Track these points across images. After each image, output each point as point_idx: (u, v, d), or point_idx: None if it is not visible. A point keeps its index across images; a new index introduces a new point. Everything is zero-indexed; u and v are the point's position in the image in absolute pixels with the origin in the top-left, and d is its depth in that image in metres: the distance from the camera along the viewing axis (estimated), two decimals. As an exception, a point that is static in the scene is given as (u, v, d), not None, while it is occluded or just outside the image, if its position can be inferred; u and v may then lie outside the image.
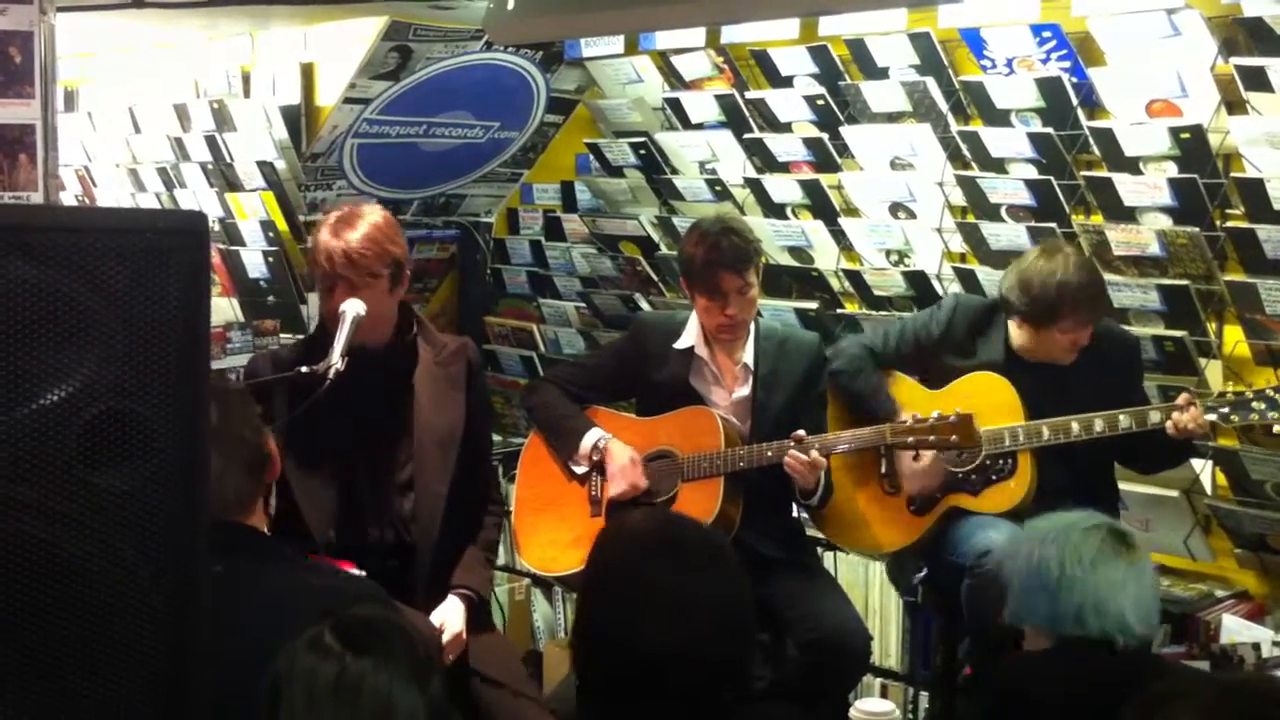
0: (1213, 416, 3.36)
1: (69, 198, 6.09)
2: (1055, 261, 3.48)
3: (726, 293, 3.57)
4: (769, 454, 3.54)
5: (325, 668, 1.76)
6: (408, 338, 3.39)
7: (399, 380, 3.34)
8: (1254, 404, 3.33)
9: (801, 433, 3.50)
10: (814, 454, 3.48)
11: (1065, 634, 2.46)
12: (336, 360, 3.01)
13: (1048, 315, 3.48)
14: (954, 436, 3.42)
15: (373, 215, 3.28)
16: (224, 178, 5.40)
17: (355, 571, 2.78)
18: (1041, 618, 2.49)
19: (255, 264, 5.37)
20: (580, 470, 3.79)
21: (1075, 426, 3.46)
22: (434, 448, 3.34)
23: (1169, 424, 3.36)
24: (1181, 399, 3.40)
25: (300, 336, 4.46)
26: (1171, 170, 3.71)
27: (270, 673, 1.81)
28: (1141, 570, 2.50)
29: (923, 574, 3.85)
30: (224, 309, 5.34)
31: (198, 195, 5.52)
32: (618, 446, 3.73)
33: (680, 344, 3.75)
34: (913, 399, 3.72)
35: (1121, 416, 3.42)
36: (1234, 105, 3.58)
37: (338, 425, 3.19)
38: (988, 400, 3.60)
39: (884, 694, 4.22)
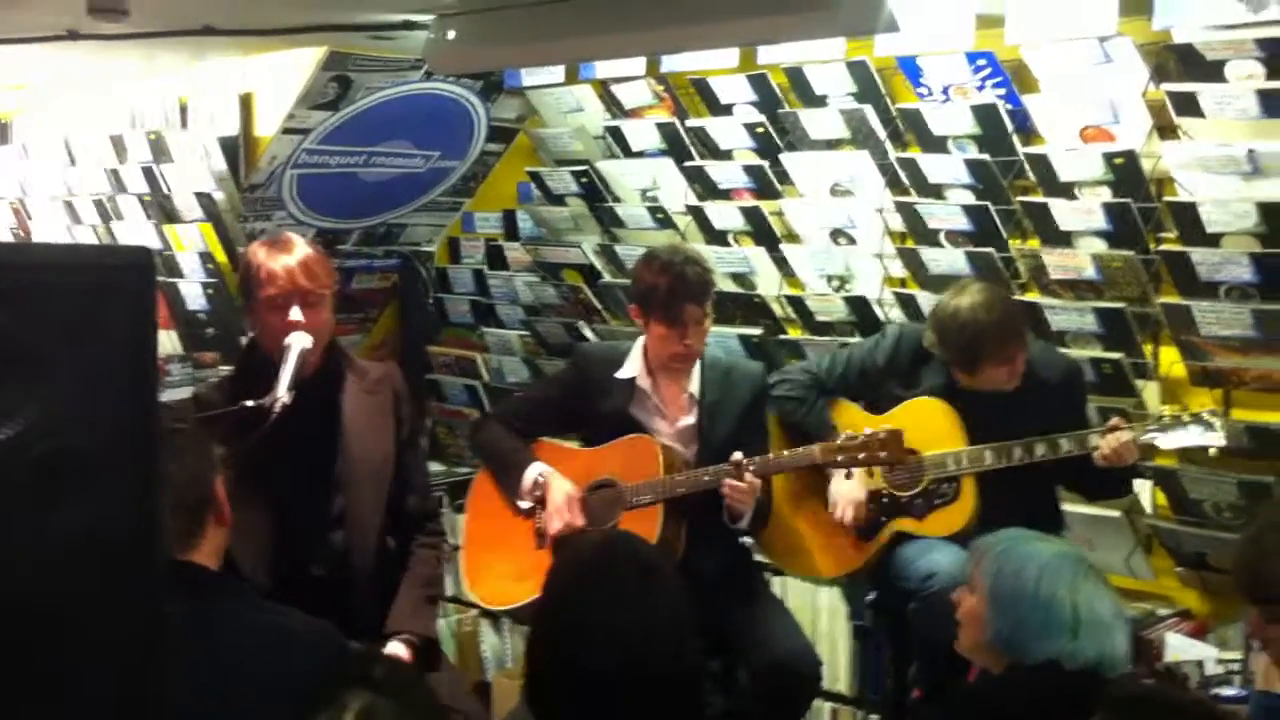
0: (1154, 440, 3.41)
1: (3, 231, 6.02)
2: (962, 308, 3.47)
3: (687, 323, 3.58)
4: (706, 479, 3.55)
5: None
6: (333, 367, 3.32)
7: (326, 411, 3.28)
8: (1190, 428, 3.38)
9: (739, 456, 3.51)
10: (749, 477, 3.49)
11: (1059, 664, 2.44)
12: (283, 394, 2.97)
13: (970, 361, 3.52)
14: (883, 453, 3.45)
15: (300, 240, 3.30)
16: (162, 210, 5.36)
17: None
18: (1049, 653, 2.42)
19: (194, 296, 5.32)
20: (524, 505, 3.78)
21: (1018, 451, 3.50)
22: (366, 477, 3.29)
23: (1096, 454, 3.40)
24: (1113, 422, 3.45)
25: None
26: (1106, 195, 3.77)
27: None
28: (1117, 603, 2.53)
29: (871, 597, 3.87)
30: (163, 341, 5.28)
31: (135, 227, 5.47)
32: (557, 481, 3.72)
33: (622, 374, 3.75)
34: (855, 424, 3.74)
35: (1063, 440, 3.46)
36: (1166, 130, 3.64)
37: (266, 460, 3.10)
38: (930, 425, 3.63)
39: (835, 718, 4.23)
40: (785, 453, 3.63)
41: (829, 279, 4.44)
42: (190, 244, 5.28)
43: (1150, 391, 3.82)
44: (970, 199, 4.03)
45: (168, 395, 4.69)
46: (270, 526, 3.18)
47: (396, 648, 3.20)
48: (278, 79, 4.78)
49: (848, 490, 3.68)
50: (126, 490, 1.44)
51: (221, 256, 5.20)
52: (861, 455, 3.48)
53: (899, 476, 3.67)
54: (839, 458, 3.51)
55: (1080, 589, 2.44)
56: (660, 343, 3.64)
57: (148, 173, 5.30)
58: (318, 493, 3.26)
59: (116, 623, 1.45)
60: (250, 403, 2.97)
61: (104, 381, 1.44)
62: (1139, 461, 3.57)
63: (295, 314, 3.15)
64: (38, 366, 1.40)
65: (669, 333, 3.60)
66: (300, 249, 3.23)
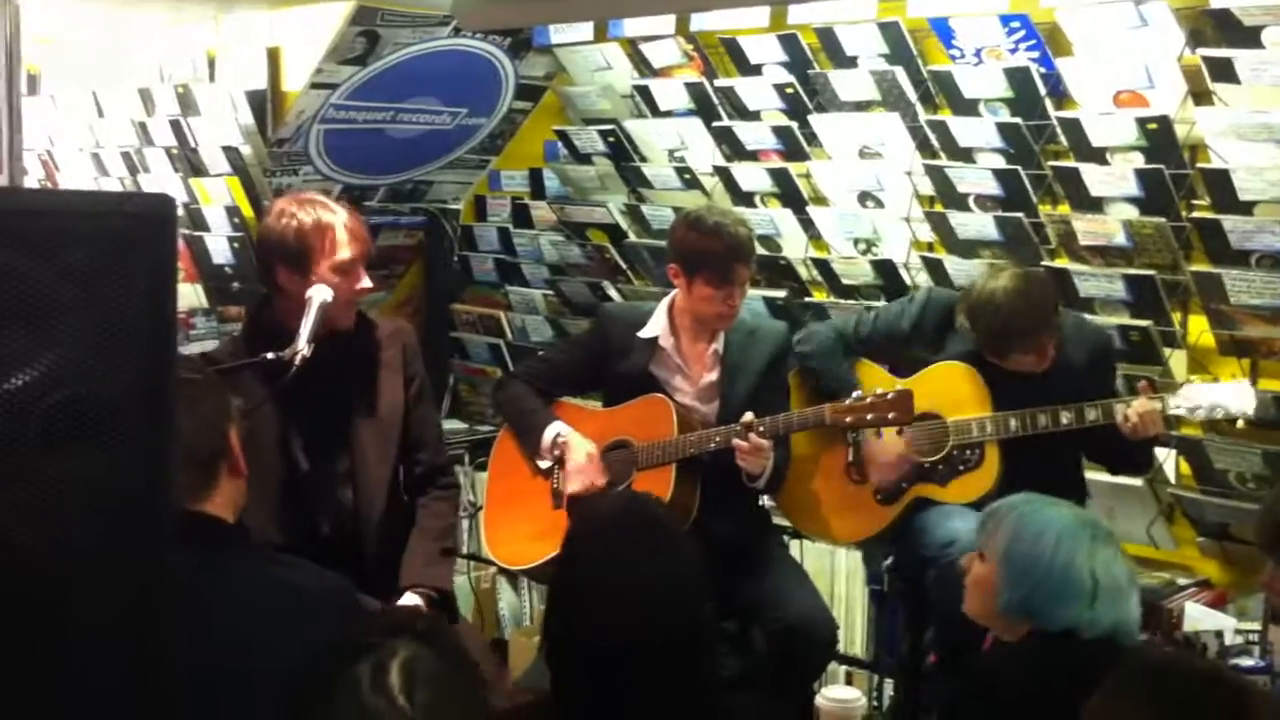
0: (1179, 411, 3.38)
1: (31, 182, 6.02)
2: (997, 294, 3.44)
3: (735, 282, 3.59)
4: (717, 439, 3.55)
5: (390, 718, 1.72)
6: (358, 326, 3.31)
7: (335, 367, 3.22)
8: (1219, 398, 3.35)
9: (749, 416, 3.51)
10: (754, 437, 3.48)
11: (1073, 631, 2.43)
12: (303, 347, 2.97)
13: (1000, 348, 3.50)
14: (891, 414, 3.44)
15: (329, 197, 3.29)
16: (189, 163, 5.35)
17: None
18: (1066, 621, 2.41)
19: (220, 250, 5.32)
20: (544, 464, 3.79)
21: (1043, 418, 3.47)
22: (374, 434, 3.28)
23: (1121, 420, 3.37)
24: (1140, 386, 3.42)
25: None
26: (1138, 161, 3.73)
27: (312, 688, 1.76)
28: (1131, 569, 2.51)
29: (889, 562, 3.86)
30: (188, 295, 5.29)
31: (162, 180, 5.47)
32: (576, 440, 3.73)
33: (645, 333, 3.75)
34: (878, 385, 3.72)
35: (1089, 409, 3.43)
36: (1200, 96, 3.60)
37: (276, 416, 3.14)
38: (955, 390, 3.61)
39: (849, 682, 4.23)
40: (795, 413, 3.63)
41: (856, 242, 4.42)
42: (217, 198, 5.28)
43: (1178, 360, 3.80)
44: (1000, 163, 3.99)
45: (192, 348, 4.71)
46: (280, 483, 3.18)
47: (412, 600, 3.21)
48: (306, 33, 4.76)
49: (880, 451, 3.68)
50: (139, 441, 1.44)
51: (248, 211, 5.20)
52: (870, 416, 3.47)
53: (922, 441, 3.66)
54: (848, 418, 3.50)
55: (1097, 555, 2.42)
56: (705, 303, 3.64)
57: (175, 126, 5.29)
58: (327, 449, 3.26)
59: (122, 573, 1.45)
60: (271, 355, 2.97)
61: (121, 331, 1.43)
62: (1165, 432, 3.54)
63: (367, 280, 3.18)
64: (54, 314, 1.40)
65: (716, 293, 3.60)
66: (344, 207, 3.24)
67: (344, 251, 3.15)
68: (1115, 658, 2.29)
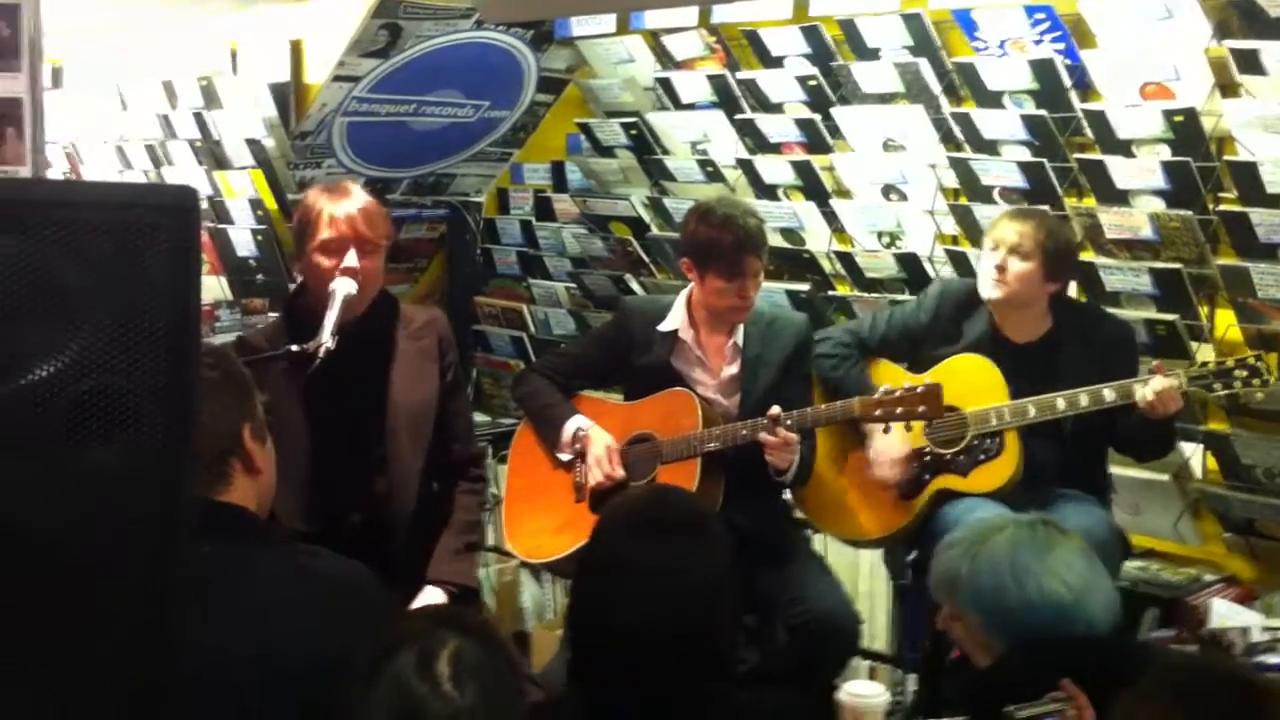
0: (1197, 386, 3.36)
1: (55, 175, 6.05)
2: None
3: (747, 275, 3.57)
4: (744, 433, 3.53)
5: (436, 705, 1.72)
6: (382, 313, 3.30)
7: (372, 356, 3.26)
8: (1235, 372, 3.33)
9: (776, 410, 3.49)
10: (782, 431, 3.47)
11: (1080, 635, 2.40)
12: (327, 339, 2.97)
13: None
14: (921, 407, 3.42)
15: (358, 188, 3.28)
16: (212, 155, 5.38)
17: None
18: (1070, 629, 2.34)
19: (244, 242, 5.34)
20: (565, 458, 3.79)
21: (1061, 403, 3.45)
22: (408, 423, 3.28)
23: (1140, 400, 3.35)
24: (1154, 365, 3.39)
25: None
26: (1164, 153, 3.71)
27: (352, 675, 1.78)
28: (1083, 548, 2.46)
29: (912, 556, 3.84)
30: (212, 287, 5.32)
31: (185, 173, 5.49)
32: (596, 434, 3.72)
33: (664, 326, 3.74)
34: (896, 383, 3.70)
35: (1106, 390, 3.40)
36: (1227, 88, 3.58)
37: (309, 405, 3.14)
38: (972, 381, 3.59)
39: (872, 676, 4.22)
40: (824, 407, 3.61)
41: (879, 235, 4.40)
42: (240, 190, 5.30)
43: (1205, 354, 3.77)
44: (1026, 155, 3.97)
45: (216, 340, 4.72)
46: (311, 472, 3.18)
47: (435, 595, 3.21)
48: (328, 26, 4.77)
49: (886, 447, 3.66)
50: (162, 432, 1.44)
51: (271, 203, 5.22)
52: (900, 410, 3.45)
53: (941, 434, 3.64)
54: (877, 412, 3.48)
55: (1054, 564, 2.32)
56: (718, 296, 3.62)
57: (198, 118, 5.32)
58: (360, 438, 3.25)
59: (143, 562, 1.45)
60: (295, 347, 2.97)
61: (144, 322, 1.43)
62: (1190, 424, 3.51)
63: (351, 259, 3.15)
64: (78, 306, 1.40)
65: (728, 285, 3.58)
66: (360, 196, 3.23)
67: (325, 232, 3.15)
68: (1131, 646, 2.27)
